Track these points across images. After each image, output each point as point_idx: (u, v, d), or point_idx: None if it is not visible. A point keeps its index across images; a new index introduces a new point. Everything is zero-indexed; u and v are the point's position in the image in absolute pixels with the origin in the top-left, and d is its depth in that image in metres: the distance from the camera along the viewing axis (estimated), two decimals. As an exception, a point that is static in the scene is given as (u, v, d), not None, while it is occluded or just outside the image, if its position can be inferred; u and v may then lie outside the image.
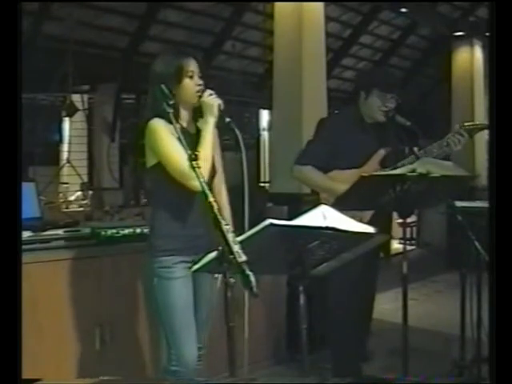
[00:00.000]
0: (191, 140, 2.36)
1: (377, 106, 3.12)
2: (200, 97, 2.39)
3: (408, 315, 2.68)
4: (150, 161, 2.40)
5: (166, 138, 2.33)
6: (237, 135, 2.17)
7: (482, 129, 3.11)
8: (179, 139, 2.26)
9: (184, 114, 2.46)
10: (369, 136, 3.17)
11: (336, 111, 5.03)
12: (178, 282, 2.38)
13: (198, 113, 2.43)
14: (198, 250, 2.39)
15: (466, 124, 3.12)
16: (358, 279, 3.08)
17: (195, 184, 2.21)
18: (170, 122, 2.31)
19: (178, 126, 2.33)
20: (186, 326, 2.40)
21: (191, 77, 2.41)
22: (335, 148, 3.14)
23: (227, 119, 2.27)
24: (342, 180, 2.99)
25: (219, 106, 2.33)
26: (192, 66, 2.42)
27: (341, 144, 3.14)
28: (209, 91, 2.37)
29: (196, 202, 2.37)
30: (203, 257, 2.36)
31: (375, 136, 3.18)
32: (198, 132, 2.44)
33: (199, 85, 2.42)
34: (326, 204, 1.95)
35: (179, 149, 2.26)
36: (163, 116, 2.34)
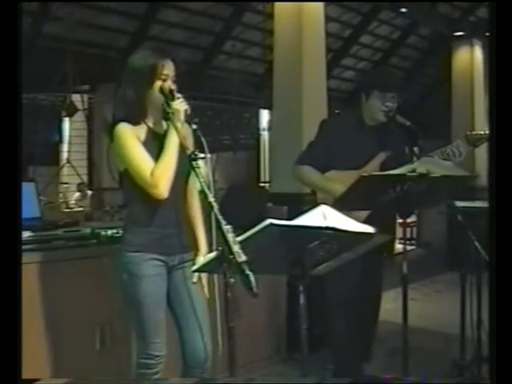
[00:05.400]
0: (159, 141, 2.33)
1: (377, 107, 3.11)
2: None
3: (408, 315, 2.68)
4: (120, 165, 2.40)
5: (130, 145, 2.31)
6: (202, 143, 2.14)
7: (488, 139, 3.02)
8: (145, 143, 2.31)
9: (152, 115, 2.41)
10: (369, 138, 3.17)
11: (336, 111, 5.03)
12: (147, 279, 2.36)
13: (166, 113, 2.34)
14: (170, 250, 2.41)
15: (473, 133, 3.07)
16: (359, 279, 3.08)
17: (157, 192, 2.28)
18: (134, 123, 2.33)
19: (145, 127, 2.36)
20: (154, 323, 2.39)
21: (164, 80, 2.33)
22: (335, 149, 3.15)
23: (194, 126, 2.18)
24: (339, 181, 2.99)
25: (186, 111, 2.24)
26: (167, 69, 2.34)
27: (341, 146, 3.14)
28: (176, 95, 2.29)
29: (171, 200, 2.36)
30: (175, 256, 2.42)
31: (376, 138, 3.18)
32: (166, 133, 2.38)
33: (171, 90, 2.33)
34: (325, 204, 1.94)
35: (143, 156, 2.30)
36: (127, 115, 2.33)
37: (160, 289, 2.42)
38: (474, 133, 3.08)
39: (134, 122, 2.35)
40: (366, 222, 2.03)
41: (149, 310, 2.38)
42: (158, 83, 2.32)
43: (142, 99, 2.34)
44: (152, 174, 2.28)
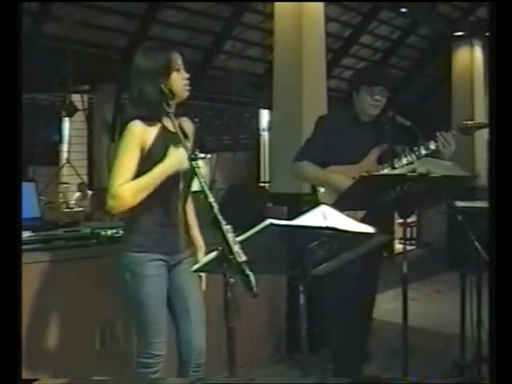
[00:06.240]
0: (169, 139, 2.34)
1: (367, 102, 3.19)
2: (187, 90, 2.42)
3: (408, 315, 2.68)
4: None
5: (128, 149, 2.34)
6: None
7: (479, 127, 3.16)
8: (156, 141, 2.34)
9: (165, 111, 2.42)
10: (364, 134, 3.23)
11: (336, 111, 5.04)
12: (150, 279, 2.38)
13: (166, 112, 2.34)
14: (171, 249, 2.43)
15: (464, 123, 3.17)
16: (359, 279, 3.09)
17: (110, 203, 2.34)
18: (153, 121, 2.34)
19: (158, 125, 2.37)
20: (156, 322, 2.41)
21: (178, 70, 2.41)
22: (332, 145, 3.20)
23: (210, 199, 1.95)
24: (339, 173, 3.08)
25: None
26: (179, 59, 2.43)
27: (337, 141, 3.20)
28: (200, 155, 2.21)
29: (172, 201, 2.38)
30: (176, 255, 2.43)
31: (371, 133, 3.24)
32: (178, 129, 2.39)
33: (186, 78, 2.43)
34: (325, 204, 1.94)
35: (129, 165, 2.32)
36: (147, 114, 2.34)
37: (162, 289, 2.43)
38: (464, 123, 3.19)
39: (153, 119, 2.37)
40: (361, 222, 2.03)
41: (151, 309, 2.39)
42: (175, 74, 2.39)
43: (161, 93, 2.34)
44: (120, 184, 2.31)
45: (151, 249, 2.39)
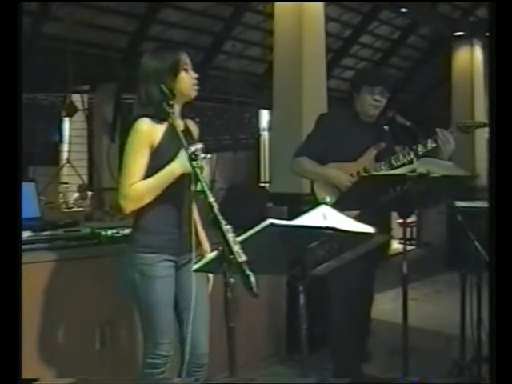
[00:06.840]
0: (176, 138, 2.32)
1: (367, 102, 3.22)
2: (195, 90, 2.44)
3: (408, 315, 2.68)
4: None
5: (136, 146, 2.35)
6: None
7: (478, 126, 3.21)
8: (163, 140, 2.33)
9: (175, 110, 2.42)
10: (364, 133, 3.25)
11: (336, 111, 5.05)
12: (160, 280, 2.38)
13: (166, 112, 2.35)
14: (182, 250, 2.42)
15: (463, 122, 3.22)
16: (357, 279, 3.09)
17: (122, 203, 2.34)
18: (161, 120, 2.34)
19: (166, 124, 2.36)
20: (164, 323, 2.41)
21: (186, 70, 2.43)
22: (331, 143, 3.23)
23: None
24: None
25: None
26: (187, 59, 2.45)
27: (337, 140, 3.23)
28: (201, 155, 2.25)
29: (181, 201, 2.38)
30: (184, 256, 2.43)
31: (371, 133, 3.26)
32: (185, 129, 2.45)
33: (195, 78, 2.45)
34: (325, 204, 1.94)
35: (139, 165, 2.34)
36: (154, 114, 2.34)
37: (171, 289, 2.43)
38: (463, 121, 3.25)
39: (161, 119, 2.36)
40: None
41: (160, 310, 2.39)
42: (183, 73, 2.41)
43: (169, 93, 2.35)
44: (131, 185, 2.32)
45: (161, 249, 2.39)
